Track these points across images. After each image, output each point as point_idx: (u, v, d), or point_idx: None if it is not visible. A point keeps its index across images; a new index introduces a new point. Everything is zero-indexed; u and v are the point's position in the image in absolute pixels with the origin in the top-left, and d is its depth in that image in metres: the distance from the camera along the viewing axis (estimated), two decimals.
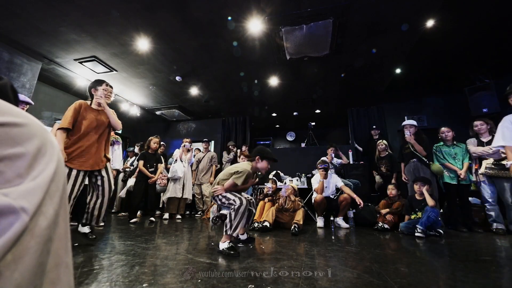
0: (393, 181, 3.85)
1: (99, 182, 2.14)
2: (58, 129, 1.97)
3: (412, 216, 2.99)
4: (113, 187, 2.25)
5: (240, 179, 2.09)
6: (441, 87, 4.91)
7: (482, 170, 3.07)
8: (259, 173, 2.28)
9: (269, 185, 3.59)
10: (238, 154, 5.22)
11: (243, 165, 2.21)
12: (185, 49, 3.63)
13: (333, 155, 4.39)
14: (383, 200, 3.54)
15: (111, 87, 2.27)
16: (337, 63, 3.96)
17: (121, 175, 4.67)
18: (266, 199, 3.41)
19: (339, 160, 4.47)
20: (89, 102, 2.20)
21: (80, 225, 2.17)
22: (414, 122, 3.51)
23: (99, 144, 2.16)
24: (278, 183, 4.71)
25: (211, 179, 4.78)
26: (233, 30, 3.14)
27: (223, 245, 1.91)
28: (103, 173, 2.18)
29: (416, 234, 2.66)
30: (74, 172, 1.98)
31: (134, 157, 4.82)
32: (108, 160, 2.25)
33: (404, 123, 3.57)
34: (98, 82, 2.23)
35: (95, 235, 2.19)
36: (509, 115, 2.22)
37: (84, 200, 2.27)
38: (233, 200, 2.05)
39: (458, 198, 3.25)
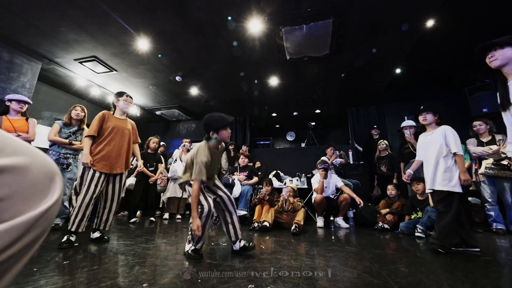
0: (394, 181, 3.85)
1: (110, 186, 2.29)
2: (86, 136, 2.22)
3: (412, 216, 2.99)
4: (121, 192, 2.42)
5: (201, 167, 1.73)
6: (441, 87, 4.91)
7: (482, 170, 3.07)
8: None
9: (263, 190, 3.42)
10: (238, 154, 5.22)
11: (200, 148, 1.83)
12: (185, 49, 3.63)
13: (337, 153, 4.40)
14: (383, 200, 3.53)
15: (131, 97, 2.48)
16: (337, 63, 3.96)
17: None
18: (265, 202, 3.33)
19: (339, 160, 4.47)
20: (112, 112, 2.41)
21: (91, 232, 2.26)
22: (413, 123, 3.53)
23: (120, 150, 2.33)
24: (278, 183, 4.71)
25: None
26: (233, 30, 3.14)
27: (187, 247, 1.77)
28: (117, 178, 2.33)
29: (416, 234, 2.66)
30: (97, 174, 2.14)
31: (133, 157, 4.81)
32: (128, 167, 2.43)
33: (403, 124, 3.60)
34: (119, 94, 2.43)
35: (107, 237, 2.25)
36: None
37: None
38: (202, 205, 1.74)
39: None
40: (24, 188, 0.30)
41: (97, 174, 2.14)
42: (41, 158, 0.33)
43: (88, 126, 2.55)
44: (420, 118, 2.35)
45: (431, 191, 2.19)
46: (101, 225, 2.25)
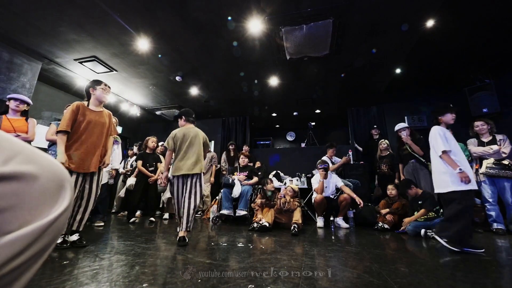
0: (396, 181, 3.85)
1: (87, 185, 2.13)
2: (58, 132, 1.99)
3: (422, 218, 2.92)
4: (99, 190, 2.23)
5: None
6: (441, 87, 4.91)
7: (483, 170, 3.07)
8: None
9: (258, 201, 3.38)
10: (238, 154, 5.22)
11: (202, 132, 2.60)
12: (185, 49, 3.63)
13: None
14: (383, 200, 3.53)
15: (109, 87, 2.29)
16: (337, 63, 3.95)
17: (121, 176, 4.67)
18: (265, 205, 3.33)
19: (338, 159, 4.47)
20: (86, 103, 2.19)
21: (67, 234, 2.06)
22: (405, 124, 3.61)
23: (97, 146, 2.15)
24: (278, 183, 4.71)
25: (211, 179, 4.78)
26: (233, 30, 3.14)
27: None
28: (94, 176, 2.17)
29: (422, 231, 2.69)
30: (74, 175, 1.99)
31: (134, 157, 4.82)
32: (102, 163, 2.23)
33: (397, 128, 3.65)
34: (97, 82, 2.23)
35: (85, 241, 2.07)
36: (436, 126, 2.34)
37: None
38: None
39: None
40: (32, 197, 0.29)
41: (74, 175, 1.98)
42: (52, 165, 0.32)
43: None
44: (451, 116, 2.30)
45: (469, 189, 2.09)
46: (74, 225, 2.06)
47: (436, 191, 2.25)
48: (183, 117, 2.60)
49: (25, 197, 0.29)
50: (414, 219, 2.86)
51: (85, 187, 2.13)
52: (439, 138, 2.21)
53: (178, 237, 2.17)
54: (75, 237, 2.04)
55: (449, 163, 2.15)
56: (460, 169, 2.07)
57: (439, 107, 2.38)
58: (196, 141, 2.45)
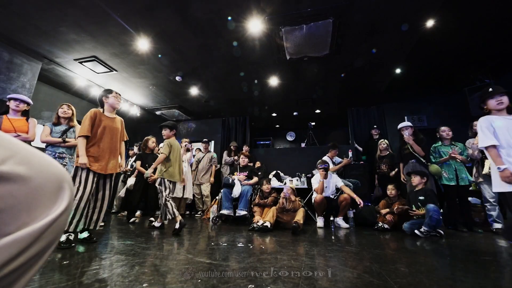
0: (392, 173, 3.85)
1: (102, 186, 2.29)
2: (79, 136, 2.20)
3: (417, 215, 2.95)
4: (111, 192, 2.44)
5: (166, 149, 2.83)
6: (441, 87, 4.91)
7: (485, 170, 3.05)
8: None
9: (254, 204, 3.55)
10: (238, 154, 5.22)
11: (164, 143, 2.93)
12: (185, 49, 3.63)
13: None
14: (383, 200, 3.53)
15: (119, 94, 2.49)
16: (337, 63, 3.96)
17: (121, 176, 4.67)
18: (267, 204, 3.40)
19: (339, 160, 4.47)
20: (101, 110, 2.37)
21: (78, 232, 2.21)
22: (409, 123, 3.57)
23: (113, 149, 2.33)
24: (278, 183, 4.71)
25: (211, 179, 4.78)
26: (233, 30, 3.14)
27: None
28: (108, 178, 2.33)
29: (416, 231, 2.68)
30: (91, 175, 2.14)
31: (134, 157, 4.82)
32: (119, 165, 2.44)
33: (400, 125, 3.63)
34: (108, 91, 2.43)
35: (95, 237, 2.22)
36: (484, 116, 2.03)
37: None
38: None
39: (458, 198, 3.25)
40: (30, 199, 0.29)
41: (91, 175, 2.14)
42: (50, 166, 0.32)
43: (79, 123, 2.57)
44: (494, 101, 1.97)
45: None
46: (91, 224, 2.23)
47: (494, 190, 1.94)
48: (174, 130, 3.03)
49: (22, 198, 0.28)
50: (419, 214, 2.88)
51: (101, 188, 2.28)
52: (480, 132, 1.96)
53: (178, 227, 2.58)
54: (85, 234, 2.19)
55: (493, 159, 1.86)
56: (499, 167, 1.78)
57: (481, 95, 2.09)
58: (181, 155, 3.02)
